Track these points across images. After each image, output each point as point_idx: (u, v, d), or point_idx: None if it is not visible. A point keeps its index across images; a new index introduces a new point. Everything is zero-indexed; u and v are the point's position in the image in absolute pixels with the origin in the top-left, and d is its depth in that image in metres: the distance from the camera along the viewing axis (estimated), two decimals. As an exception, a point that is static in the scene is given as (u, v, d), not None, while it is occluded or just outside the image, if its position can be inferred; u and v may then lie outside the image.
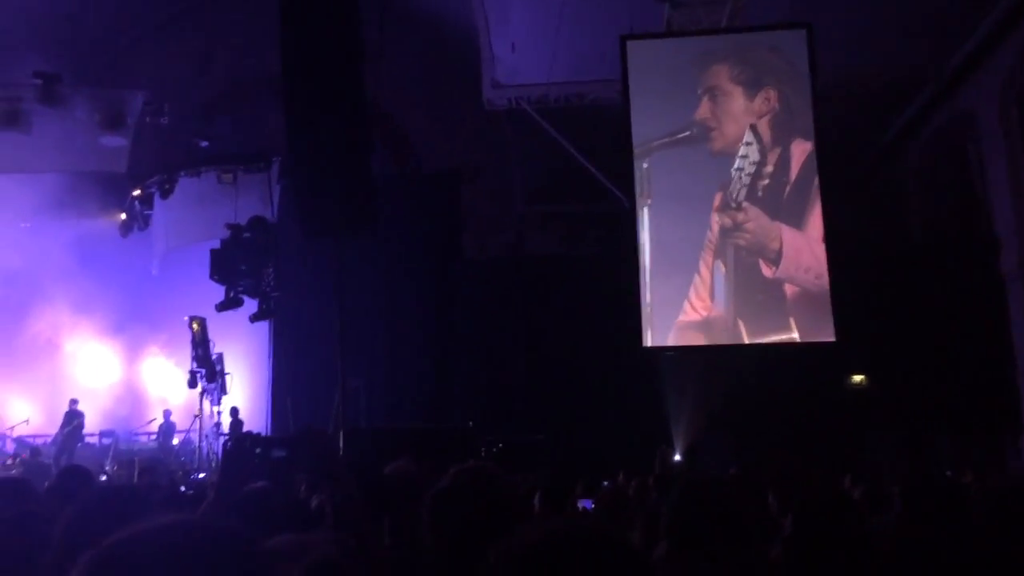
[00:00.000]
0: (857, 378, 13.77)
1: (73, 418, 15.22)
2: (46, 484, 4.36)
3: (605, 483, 7.13)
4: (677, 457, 12.76)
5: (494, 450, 11.04)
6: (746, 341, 11.96)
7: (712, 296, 12.04)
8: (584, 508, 5.17)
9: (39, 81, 13.79)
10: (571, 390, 13.88)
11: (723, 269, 12.02)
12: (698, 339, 12.17)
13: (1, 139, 14.09)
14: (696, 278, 12.06)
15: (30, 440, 15.47)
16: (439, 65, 17.21)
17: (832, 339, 11.76)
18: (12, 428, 16.01)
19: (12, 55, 14.14)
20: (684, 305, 12.14)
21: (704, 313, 12.06)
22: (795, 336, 11.89)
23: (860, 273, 12.83)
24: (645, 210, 12.38)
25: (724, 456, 11.28)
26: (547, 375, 14.32)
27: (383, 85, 12.49)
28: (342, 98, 9.91)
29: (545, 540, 1.20)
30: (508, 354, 14.83)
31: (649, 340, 12.25)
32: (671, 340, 12.25)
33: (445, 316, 15.22)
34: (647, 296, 12.32)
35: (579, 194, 15.83)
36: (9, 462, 13.54)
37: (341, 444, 10.93)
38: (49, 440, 15.39)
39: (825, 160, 12.20)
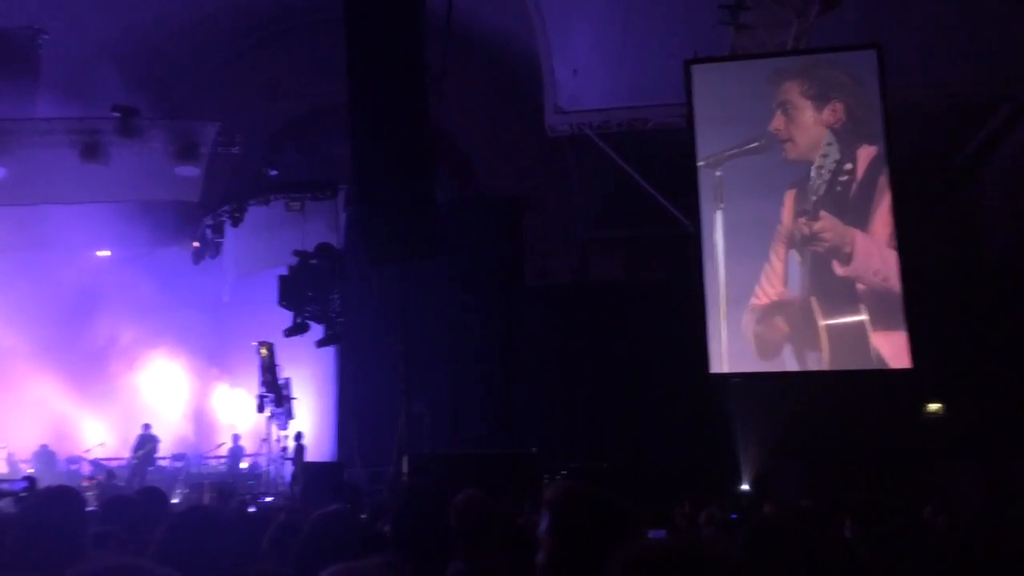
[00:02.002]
0: (934, 406, 13.30)
1: (146, 442, 15.54)
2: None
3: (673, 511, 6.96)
4: (745, 487, 12.47)
5: (557, 477, 10.91)
6: (820, 322, 11.93)
7: (785, 282, 12.20)
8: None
9: (118, 115, 14.29)
10: (635, 417, 13.68)
11: (797, 258, 12.27)
12: (773, 328, 12.11)
13: (82, 171, 14.56)
14: (767, 266, 12.25)
15: (105, 463, 15.85)
16: (501, 91, 17.31)
17: (908, 366, 11.47)
18: (89, 451, 16.39)
19: (93, 90, 14.71)
20: (755, 289, 12.23)
21: (775, 297, 12.15)
22: (864, 318, 11.85)
23: (935, 297, 12.53)
24: (719, 214, 12.49)
25: (795, 486, 10.98)
26: (610, 402, 14.14)
27: (446, 111, 12.59)
28: (406, 125, 10.05)
29: (664, 558, 1.21)
30: (571, 381, 14.67)
31: (718, 366, 12.12)
32: (744, 328, 12.20)
33: (508, 342, 15.14)
34: (719, 312, 12.29)
35: (643, 219, 15.69)
36: (85, 484, 13.78)
37: (405, 469, 11.09)
38: (123, 463, 15.79)
39: (896, 177, 12.17)
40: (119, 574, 1.09)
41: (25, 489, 7.02)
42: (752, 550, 2.35)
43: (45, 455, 16.08)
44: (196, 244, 17.24)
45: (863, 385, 11.99)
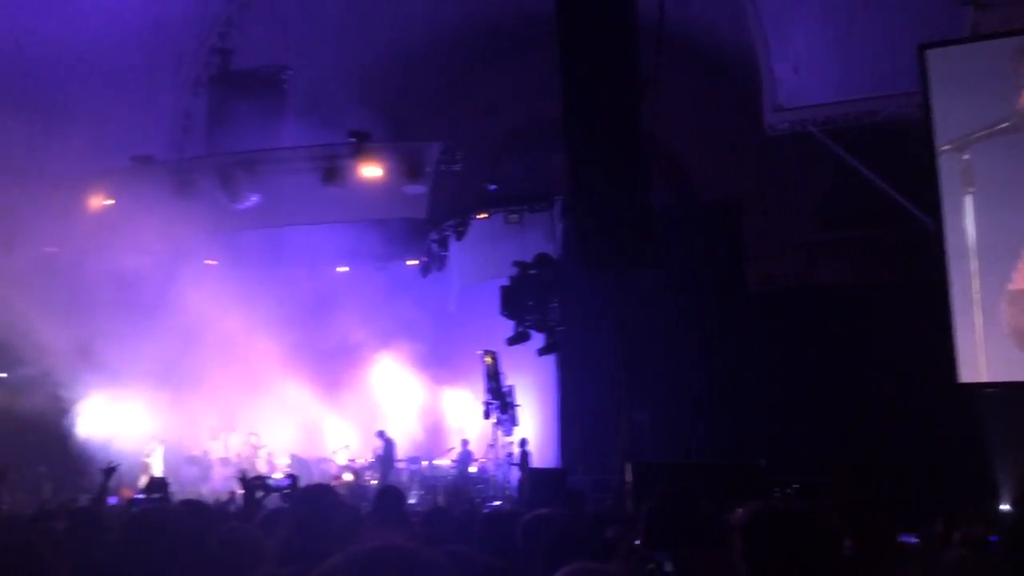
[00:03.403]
0: None
1: (388, 446, 16.47)
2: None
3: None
4: (1005, 506, 11.39)
5: (788, 491, 10.39)
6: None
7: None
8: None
9: (353, 139, 15.26)
10: (871, 428, 12.75)
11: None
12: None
13: (322, 193, 15.60)
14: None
15: (351, 464, 16.89)
16: (713, 91, 16.85)
17: None
18: (335, 452, 17.56)
19: (331, 117, 15.84)
20: (1012, 275, 11.23)
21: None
22: None
23: None
24: (968, 199, 11.62)
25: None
26: (843, 412, 13.23)
27: (658, 115, 12.38)
28: (620, 133, 10.07)
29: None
30: (799, 389, 13.88)
31: (970, 374, 11.16)
32: (1003, 318, 11.18)
33: (730, 349, 14.57)
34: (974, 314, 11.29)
35: (873, 218, 14.78)
36: (335, 483, 14.74)
37: (629, 478, 10.98)
38: (365, 465, 16.82)
39: None
40: (387, 555, 1.15)
41: (289, 487, 7.61)
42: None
43: (296, 460, 17.26)
44: (423, 258, 18.24)
45: None
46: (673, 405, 14.16)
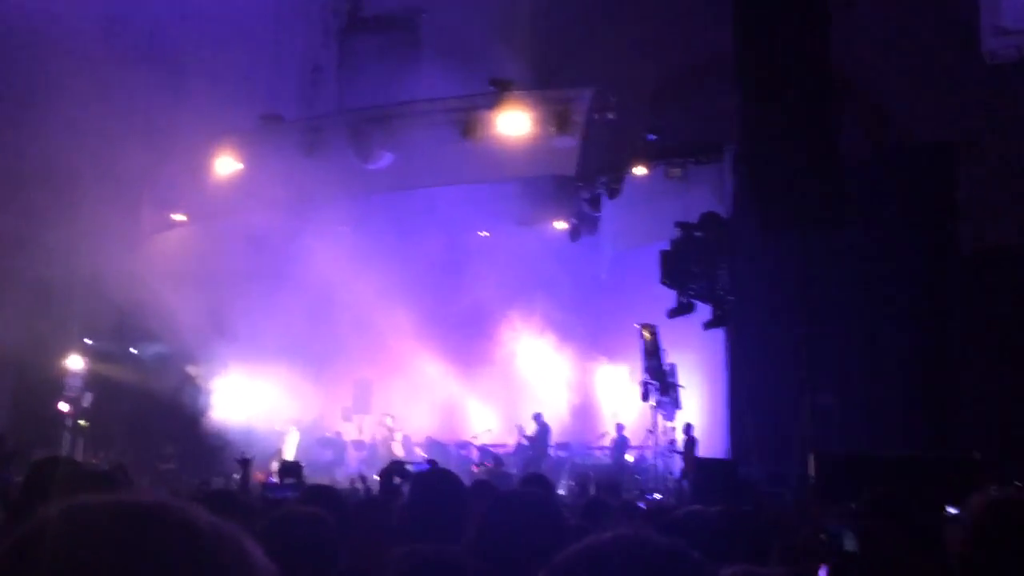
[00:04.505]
0: None
1: (542, 431, 16.77)
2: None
3: None
4: None
5: (1010, 488, 9.80)
6: None
7: None
8: None
9: (494, 88, 15.30)
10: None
11: None
12: None
13: (460, 151, 15.66)
14: None
15: (493, 449, 17.40)
16: (921, 13, 15.97)
17: None
18: (476, 436, 18.16)
19: (471, 65, 15.89)
20: None
21: None
22: None
23: None
24: None
25: None
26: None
27: (851, 46, 11.90)
28: (804, 69, 9.83)
29: None
30: (1021, 370, 12.98)
31: None
32: None
33: (938, 321, 13.91)
34: None
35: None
36: (474, 469, 15.28)
37: (812, 471, 10.68)
38: (509, 450, 17.28)
39: None
40: (629, 543, 1.19)
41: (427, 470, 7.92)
42: None
43: (433, 444, 18.01)
44: (572, 220, 18.05)
45: None
46: (864, 387, 13.83)
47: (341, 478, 15.36)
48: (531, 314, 18.82)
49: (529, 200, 17.65)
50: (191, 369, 17.51)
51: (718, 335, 16.19)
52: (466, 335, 18.83)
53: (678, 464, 15.41)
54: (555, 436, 17.83)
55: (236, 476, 13.53)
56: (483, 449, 17.41)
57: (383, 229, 18.12)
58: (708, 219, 15.84)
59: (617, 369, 18.66)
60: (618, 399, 18.41)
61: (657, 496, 14.03)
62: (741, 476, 12.77)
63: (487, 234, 19.27)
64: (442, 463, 14.76)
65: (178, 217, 17.02)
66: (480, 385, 19.07)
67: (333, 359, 17.87)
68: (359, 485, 10.52)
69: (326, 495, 4.10)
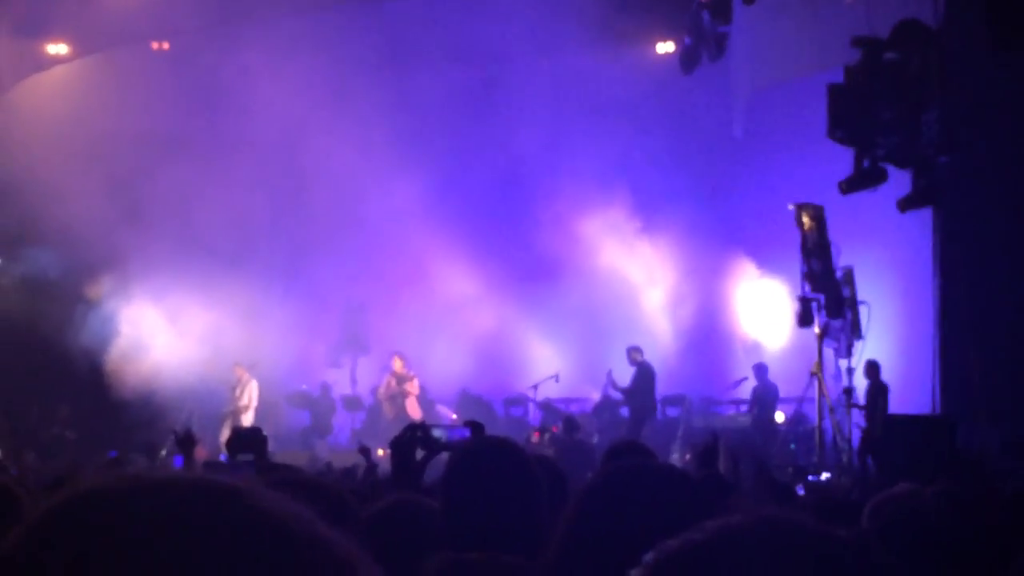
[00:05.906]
0: None
1: (641, 374, 16.57)
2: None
3: None
4: None
5: None
6: None
7: None
8: None
9: None
10: None
11: None
12: None
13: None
14: None
15: (561, 405, 17.34)
16: None
17: None
18: (535, 387, 17.99)
19: None
20: None
21: None
22: None
23: None
24: None
25: None
26: None
27: None
28: None
29: None
30: None
31: None
32: None
33: None
34: None
35: None
36: (534, 439, 14.95)
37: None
38: (593, 404, 17.41)
39: None
40: (772, 532, 1.17)
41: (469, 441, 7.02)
42: None
43: (469, 400, 18.45)
44: (685, 40, 17.53)
45: None
46: None
47: (326, 453, 15.72)
48: (617, 196, 18.48)
49: (616, 7, 16.97)
50: (89, 288, 17.28)
51: (922, 221, 15.49)
52: (516, 230, 18.71)
53: (859, 425, 15.30)
54: (663, 385, 17.45)
55: (164, 452, 14.60)
56: (547, 406, 17.37)
57: (380, 55, 17.57)
58: (907, 31, 14.74)
59: (758, 282, 18.46)
60: (760, 325, 18.48)
61: (825, 476, 14.10)
62: (961, 443, 13.05)
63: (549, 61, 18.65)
64: (486, 429, 14.11)
65: (56, 48, 17.01)
66: (540, 311, 18.79)
67: (311, 268, 17.71)
68: (361, 462, 10.23)
69: (304, 482, 3.81)
